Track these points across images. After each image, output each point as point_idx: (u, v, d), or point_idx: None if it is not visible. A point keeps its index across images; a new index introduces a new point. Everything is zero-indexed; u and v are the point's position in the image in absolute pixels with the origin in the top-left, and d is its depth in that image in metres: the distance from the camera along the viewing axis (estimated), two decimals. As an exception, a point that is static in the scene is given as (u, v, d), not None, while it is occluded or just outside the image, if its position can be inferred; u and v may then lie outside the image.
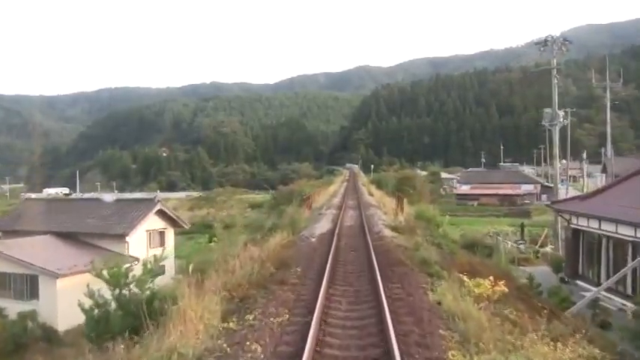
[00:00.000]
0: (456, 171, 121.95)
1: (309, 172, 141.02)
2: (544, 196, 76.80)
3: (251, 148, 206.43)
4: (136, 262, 27.24)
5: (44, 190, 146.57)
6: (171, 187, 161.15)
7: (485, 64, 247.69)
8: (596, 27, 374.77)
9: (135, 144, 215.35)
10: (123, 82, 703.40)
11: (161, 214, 27.28)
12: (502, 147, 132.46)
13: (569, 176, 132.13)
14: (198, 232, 57.83)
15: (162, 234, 27.58)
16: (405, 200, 30.73)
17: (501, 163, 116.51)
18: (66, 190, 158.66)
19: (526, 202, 70.47)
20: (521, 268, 24.76)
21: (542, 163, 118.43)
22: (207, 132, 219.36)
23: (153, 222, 26.94)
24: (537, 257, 27.78)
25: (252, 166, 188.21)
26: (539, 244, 32.48)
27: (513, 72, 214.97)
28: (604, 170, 72.98)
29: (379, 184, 65.23)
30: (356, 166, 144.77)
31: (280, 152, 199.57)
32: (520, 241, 32.81)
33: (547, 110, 28.88)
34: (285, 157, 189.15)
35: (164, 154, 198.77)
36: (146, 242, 26.66)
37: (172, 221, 28.10)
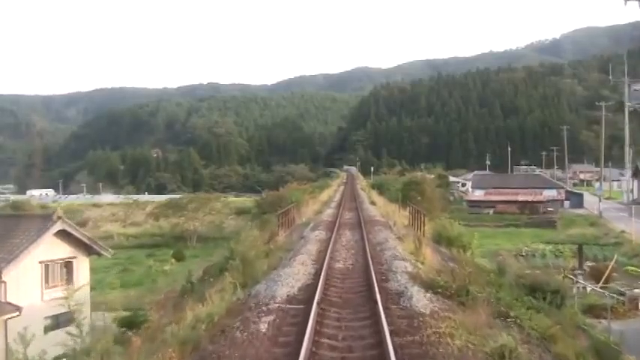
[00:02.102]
0: (460, 173, 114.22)
1: (305, 175, 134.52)
2: (567, 203, 68.09)
3: (245, 149, 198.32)
4: (17, 313, 18.53)
5: (27, 192, 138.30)
6: (160, 189, 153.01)
7: (485, 66, 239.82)
8: (595, 29, 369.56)
9: (127, 144, 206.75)
10: (120, 82, 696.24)
11: (66, 236, 18.44)
12: (509, 148, 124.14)
13: (582, 180, 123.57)
14: (165, 245, 49.24)
15: (68, 265, 18.75)
16: (422, 215, 21.82)
17: (517, 166, 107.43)
18: (51, 192, 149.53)
19: (549, 209, 61.68)
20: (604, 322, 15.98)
21: (555, 166, 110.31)
22: (200, 132, 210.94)
23: (53, 248, 18.16)
24: (623, 304, 18.90)
25: (246, 168, 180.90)
26: (605, 275, 23.40)
27: (517, 72, 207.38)
28: (635, 174, 64.51)
29: (381, 189, 57.12)
30: (354, 168, 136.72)
31: (276, 154, 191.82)
32: (578, 272, 23.91)
33: (637, 88, 20.18)
34: (280, 158, 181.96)
35: (155, 155, 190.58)
36: (41, 279, 17.81)
37: (86, 246, 19.26)
